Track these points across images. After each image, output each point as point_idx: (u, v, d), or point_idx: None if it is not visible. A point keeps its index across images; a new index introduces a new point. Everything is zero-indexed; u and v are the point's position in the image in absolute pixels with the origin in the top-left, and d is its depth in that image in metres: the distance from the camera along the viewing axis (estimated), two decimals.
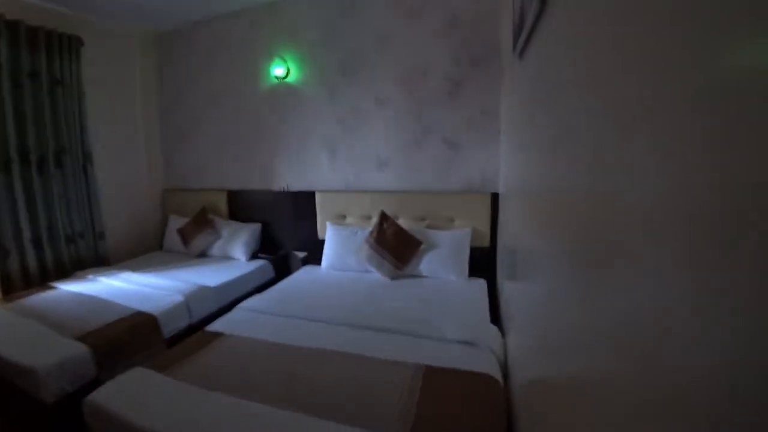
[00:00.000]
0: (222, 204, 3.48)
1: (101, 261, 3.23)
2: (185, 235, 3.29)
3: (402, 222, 2.76)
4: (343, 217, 3.05)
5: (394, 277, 2.56)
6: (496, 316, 2.07)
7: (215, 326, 1.91)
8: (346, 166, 3.07)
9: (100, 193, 3.22)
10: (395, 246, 2.57)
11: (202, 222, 3.29)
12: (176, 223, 3.50)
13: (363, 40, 2.90)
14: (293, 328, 1.85)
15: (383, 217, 2.70)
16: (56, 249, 2.97)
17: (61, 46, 2.97)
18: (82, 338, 1.83)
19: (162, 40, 3.68)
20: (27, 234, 2.79)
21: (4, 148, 2.67)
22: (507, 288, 1.85)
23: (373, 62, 2.89)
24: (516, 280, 1.49)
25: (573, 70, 0.71)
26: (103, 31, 3.33)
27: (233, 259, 3.14)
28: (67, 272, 3.00)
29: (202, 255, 3.25)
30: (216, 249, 3.23)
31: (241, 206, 3.44)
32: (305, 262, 3.11)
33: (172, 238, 3.45)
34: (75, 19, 3.12)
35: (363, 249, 2.65)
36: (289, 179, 3.26)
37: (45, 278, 2.89)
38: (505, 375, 1.54)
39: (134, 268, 2.92)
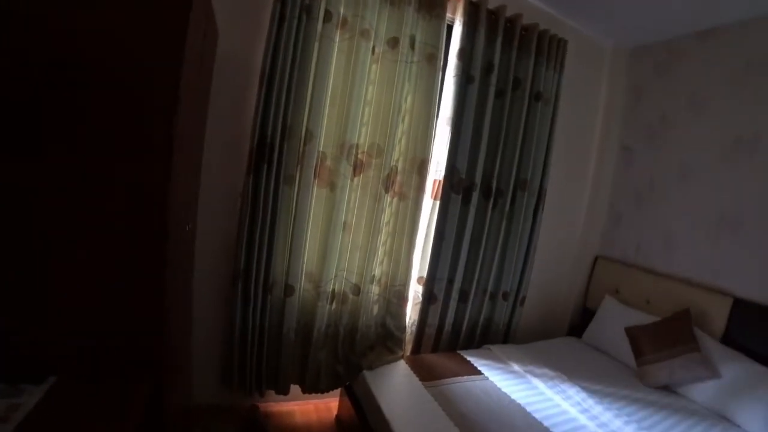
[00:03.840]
0: (715, 314, 1.97)
1: (509, 333, 2.37)
2: (641, 348, 2.00)
3: None
4: None
5: None
6: None
7: None
8: None
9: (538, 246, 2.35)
10: None
11: (679, 335, 1.91)
12: (616, 311, 2.29)
13: None
14: None
15: None
16: (475, 307, 2.25)
17: (549, 52, 2.27)
18: None
19: (641, 55, 2.61)
20: (457, 282, 2.15)
21: (473, 170, 2.09)
22: None
23: None
24: None
25: None
26: (580, 38, 2.53)
27: (735, 425, 1.61)
28: (473, 339, 2.27)
29: (665, 386, 1.88)
30: (698, 391, 1.78)
31: (755, 331, 1.86)
32: None
33: (610, 334, 2.22)
34: (558, 22, 2.42)
35: None
36: None
37: (454, 341, 2.22)
38: None
39: (552, 364, 1.98)
